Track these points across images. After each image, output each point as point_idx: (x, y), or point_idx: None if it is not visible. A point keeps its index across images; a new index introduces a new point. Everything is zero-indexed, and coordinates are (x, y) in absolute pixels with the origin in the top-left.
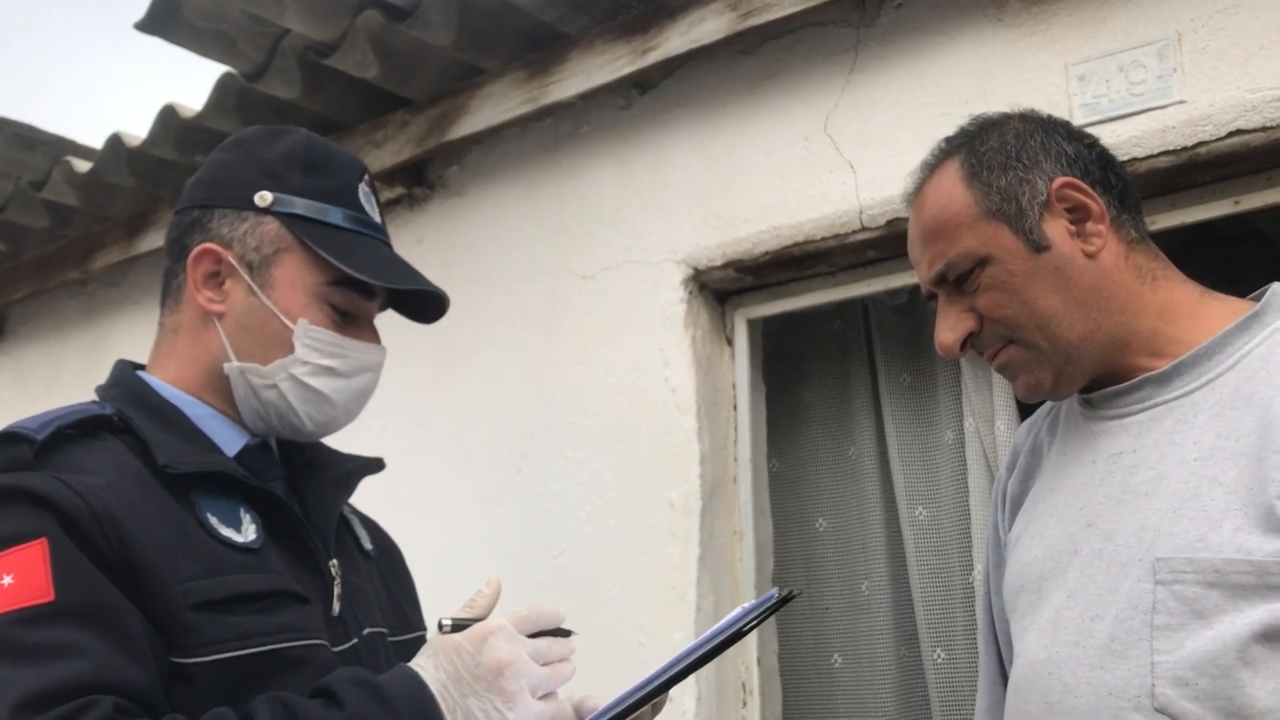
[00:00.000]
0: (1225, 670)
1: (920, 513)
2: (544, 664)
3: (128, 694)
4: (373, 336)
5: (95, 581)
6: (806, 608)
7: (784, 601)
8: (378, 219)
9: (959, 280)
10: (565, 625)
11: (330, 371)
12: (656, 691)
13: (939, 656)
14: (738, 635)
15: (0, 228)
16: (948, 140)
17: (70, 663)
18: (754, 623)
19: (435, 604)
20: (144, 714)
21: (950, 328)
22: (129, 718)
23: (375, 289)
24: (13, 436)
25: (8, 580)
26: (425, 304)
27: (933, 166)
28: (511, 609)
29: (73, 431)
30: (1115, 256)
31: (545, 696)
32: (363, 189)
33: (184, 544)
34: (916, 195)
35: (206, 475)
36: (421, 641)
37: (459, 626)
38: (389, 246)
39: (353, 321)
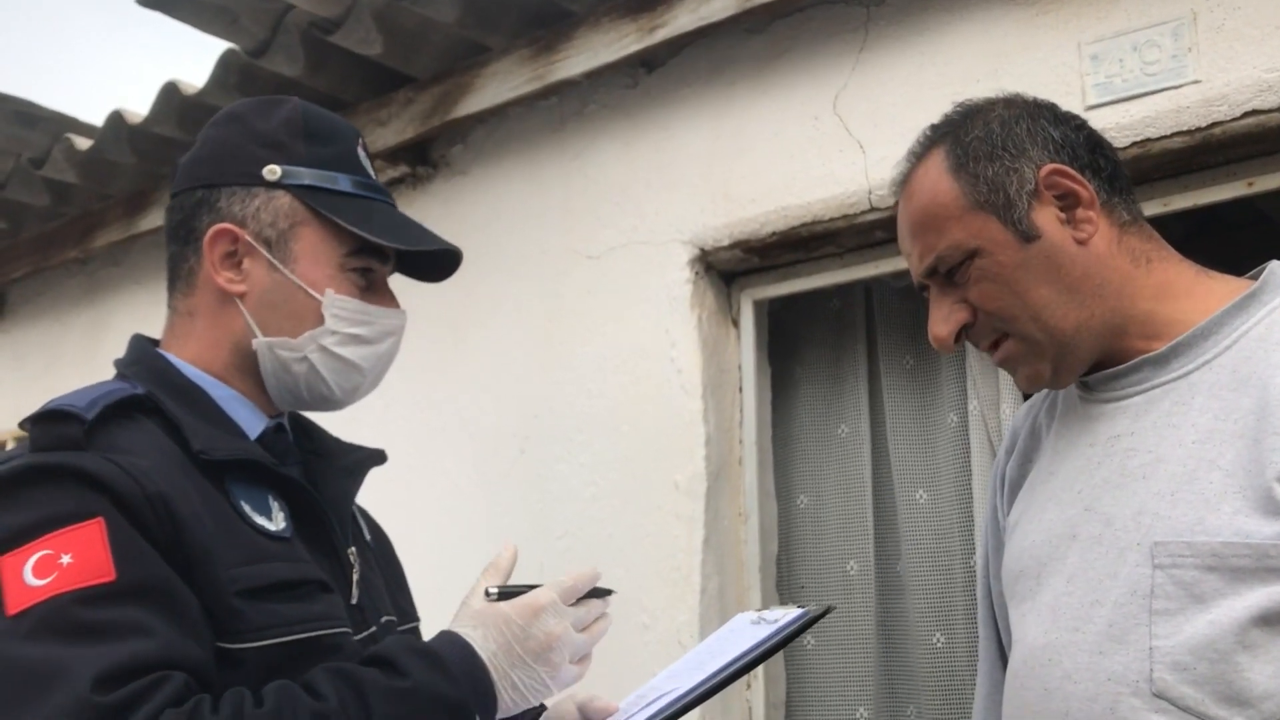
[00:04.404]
0: (1224, 654)
1: (920, 495)
2: (582, 629)
3: (192, 671)
4: (392, 301)
5: (154, 561)
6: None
7: (819, 617)
8: (377, 180)
9: (950, 273)
10: (603, 585)
11: (358, 339)
12: (680, 712)
13: (938, 640)
14: (768, 653)
15: (0, 205)
16: (933, 128)
17: (139, 641)
18: (787, 638)
19: (437, 584)
20: (206, 692)
21: (943, 320)
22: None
23: (389, 252)
24: (62, 414)
25: (66, 559)
26: (434, 263)
27: (919, 155)
28: (556, 579)
29: (114, 412)
30: (1107, 241)
31: (581, 659)
32: (360, 151)
33: (226, 531)
34: (904, 186)
35: (238, 462)
36: (416, 632)
37: (505, 595)
38: (395, 207)
39: (372, 287)
